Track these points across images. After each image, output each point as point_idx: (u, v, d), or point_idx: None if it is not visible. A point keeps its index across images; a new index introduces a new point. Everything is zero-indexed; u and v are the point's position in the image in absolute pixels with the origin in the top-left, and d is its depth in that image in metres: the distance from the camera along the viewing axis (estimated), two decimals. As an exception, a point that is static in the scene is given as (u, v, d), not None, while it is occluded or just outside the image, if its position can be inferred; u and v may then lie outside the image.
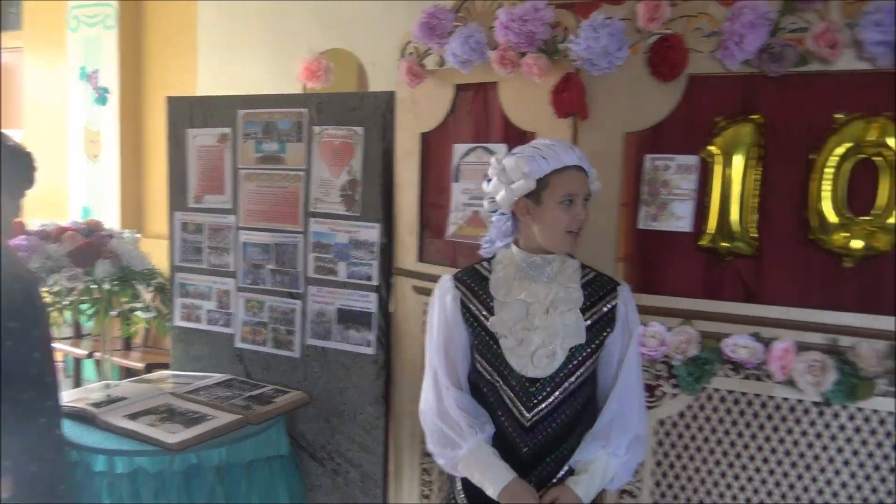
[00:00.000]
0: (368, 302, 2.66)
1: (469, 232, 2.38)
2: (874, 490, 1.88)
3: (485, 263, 1.75)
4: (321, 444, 2.82)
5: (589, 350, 1.67)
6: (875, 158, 1.80)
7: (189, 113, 2.94)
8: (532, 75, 2.05)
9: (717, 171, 1.94)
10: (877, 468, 1.87)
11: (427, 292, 2.46)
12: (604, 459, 1.66)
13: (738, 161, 1.91)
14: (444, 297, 1.75)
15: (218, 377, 2.81)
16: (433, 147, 2.48)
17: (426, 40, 2.31)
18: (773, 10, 1.81)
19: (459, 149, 2.38)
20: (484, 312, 1.69)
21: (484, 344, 1.69)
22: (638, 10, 1.91)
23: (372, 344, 2.67)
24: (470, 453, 1.65)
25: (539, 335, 1.64)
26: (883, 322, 1.80)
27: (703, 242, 1.98)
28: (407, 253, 2.57)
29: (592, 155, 1.98)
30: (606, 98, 2.03)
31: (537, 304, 1.65)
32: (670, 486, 2.08)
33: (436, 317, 1.75)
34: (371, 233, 2.62)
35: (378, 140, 2.59)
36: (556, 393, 1.65)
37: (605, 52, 1.94)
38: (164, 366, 3.25)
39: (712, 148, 1.94)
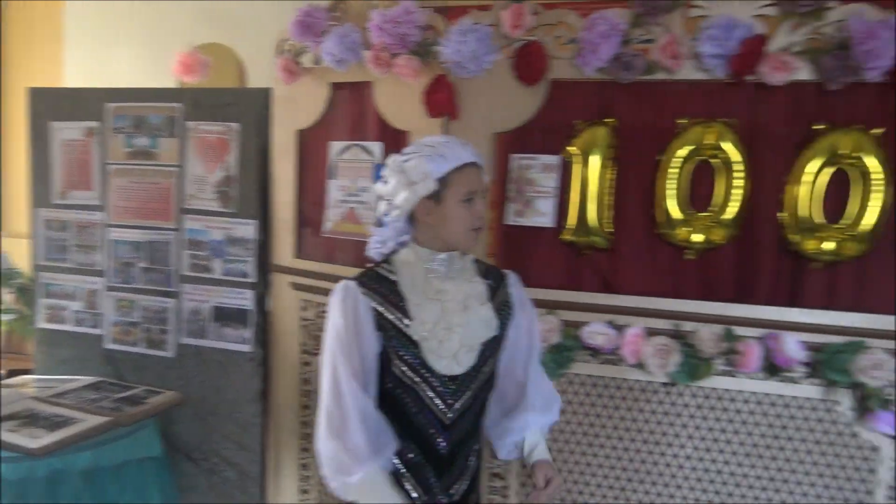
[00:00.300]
0: (245, 299, 2.64)
1: (345, 228, 2.42)
2: (713, 461, 2.07)
3: (384, 265, 1.63)
4: (197, 444, 2.77)
5: (497, 340, 1.66)
6: (712, 160, 1.99)
7: (53, 105, 2.81)
8: (405, 76, 2.12)
9: (577, 170, 2.07)
10: (715, 441, 2.06)
11: (305, 288, 2.50)
12: (542, 423, 1.73)
13: (595, 161, 2.05)
14: (353, 306, 1.57)
15: (86, 380, 2.70)
16: (310, 144, 2.50)
17: (301, 39, 2.33)
18: (624, 22, 1.97)
19: (335, 146, 2.42)
20: (399, 316, 1.57)
21: (404, 348, 1.58)
22: (503, 17, 2.01)
23: (249, 341, 2.65)
24: (364, 480, 1.54)
25: (459, 333, 1.59)
26: (719, 308, 2.00)
27: (565, 237, 2.12)
28: (284, 249, 2.57)
29: (463, 154, 2.08)
30: (475, 99, 2.12)
31: (452, 303, 1.60)
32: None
33: (341, 326, 1.56)
34: (247, 229, 2.60)
35: (255, 136, 2.57)
36: (473, 386, 1.63)
37: (474, 55, 2.03)
38: (28, 371, 3.08)
39: (572, 149, 2.07)
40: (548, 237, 2.15)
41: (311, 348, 2.54)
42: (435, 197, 1.55)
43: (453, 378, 1.59)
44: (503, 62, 2.08)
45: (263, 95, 2.56)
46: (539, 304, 2.09)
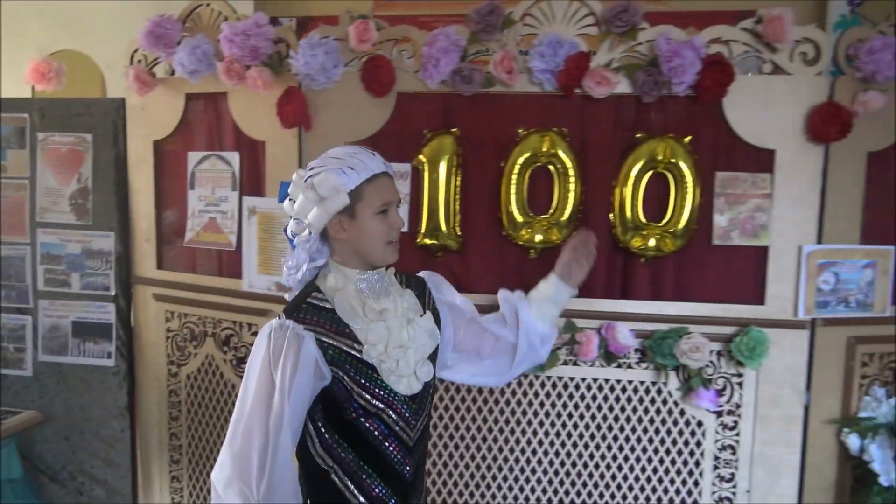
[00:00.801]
0: (106, 313, 2.60)
1: (206, 238, 2.43)
2: (563, 444, 2.24)
3: (315, 294, 1.51)
4: (62, 465, 2.70)
5: (436, 346, 1.61)
6: (549, 167, 2.14)
7: None
8: (256, 88, 2.16)
9: (426, 177, 2.18)
10: (564, 425, 2.23)
11: (169, 300, 2.49)
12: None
13: (443, 168, 2.16)
14: (295, 348, 1.42)
15: (-67, 404, 2.59)
16: (167, 154, 2.49)
17: (153, 49, 2.32)
18: (463, 37, 2.09)
19: (193, 157, 2.42)
20: (349, 344, 1.47)
21: (363, 375, 1.48)
22: (350, 32, 2.10)
23: (112, 355, 2.61)
24: None
25: (413, 349, 1.53)
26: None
27: (419, 241, 2.22)
28: (145, 261, 2.55)
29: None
30: (328, 110, 2.19)
31: (395, 320, 1.52)
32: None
33: (279, 370, 1.41)
34: (106, 242, 2.56)
35: (110, 147, 2.54)
36: (427, 401, 1.58)
37: (323, 68, 2.10)
38: None
39: (421, 157, 2.18)
40: (404, 241, 2.23)
41: (177, 359, 2.54)
42: (348, 211, 1.45)
43: (413, 397, 1.53)
44: (353, 75, 2.16)
45: (117, 106, 2.53)
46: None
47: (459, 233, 2.20)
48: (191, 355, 2.51)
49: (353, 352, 1.47)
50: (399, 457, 1.53)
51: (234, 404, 2.07)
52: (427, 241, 2.20)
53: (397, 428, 1.52)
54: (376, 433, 1.51)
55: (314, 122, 2.19)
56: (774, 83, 2.04)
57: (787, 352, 2.11)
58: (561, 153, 2.11)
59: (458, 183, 2.18)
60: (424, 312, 1.59)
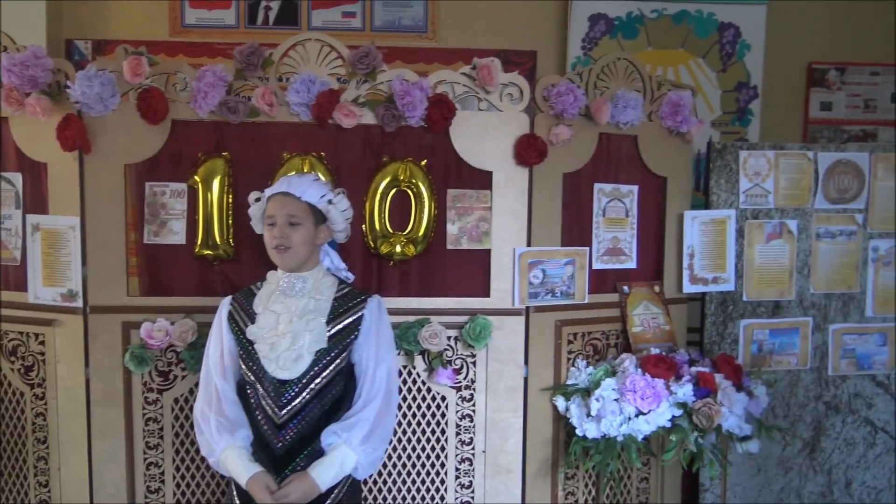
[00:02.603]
0: None
1: (-9, 254, 2.56)
2: (329, 423, 2.58)
3: (258, 283, 2.09)
4: None
5: (332, 354, 1.95)
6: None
7: None
8: (35, 114, 2.34)
9: (201, 195, 2.46)
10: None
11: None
12: (341, 448, 1.88)
13: (216, 187, 2.46)
14: (220, 311, 2.07)
15: None
16: (-51, 175, 2.58)
17: (-72, 75, 2.42)
18: (229, 73, 2.41)
19: (-25, 177, 2.54)
20: (248, 323, 1.99)
21: (245, 350, 1.98)
22: (124, 66, 2.34)
23: None
24: (226, 450, 1.91)
25: (286, 340, 1.92)
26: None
27: (197, 251, 2.49)
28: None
29: (99, 184, 2.38)
30: (107, 135, 2.42)
31: (286, 314, 1.95)
32: (189, 454, 2.55)
33: (213, 329, 2.07)
34: None
35: None
36: (304, 393, 1.93)
37: (99, 98, 2.33)
38: None
39: (196, 177, 2.46)
40: (182, 252, 2.50)
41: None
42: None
43: (283, 382, 1.92)
44: (129, 104, 2.40)
45: None
46: (178, 309, 2.46)
47: (232, 243, 2.49)
48: (-24, 366, 2.61)
49: (241, 325, 2.01)
50: (267, 429, 1.94)
51: (21, 411, 2.40)
52: (204, 251, 2.48)
53: (264, 403, 1.94)
54: (251, 400, 1.98)
55: (94, 145, 2.40)
56: (488, 118, 2.53)
57: (508, 335, 2.60)
58: (319, 174, 2.47)
59: (230, 200, 2.48)
60: (332, 320, 1.98)
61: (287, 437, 1.91)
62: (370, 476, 2.44)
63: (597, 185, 2.69)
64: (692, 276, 2.84)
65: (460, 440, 2.63)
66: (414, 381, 2.60)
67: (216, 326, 2.07)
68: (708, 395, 2.44)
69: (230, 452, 1.92)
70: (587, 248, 2.67)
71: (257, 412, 1.96)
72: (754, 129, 3.98)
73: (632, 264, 2.79)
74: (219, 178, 2.46)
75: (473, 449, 2.64)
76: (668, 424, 2.42)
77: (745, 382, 2.61)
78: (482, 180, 2.55)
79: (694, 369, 2.54)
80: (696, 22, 3.93)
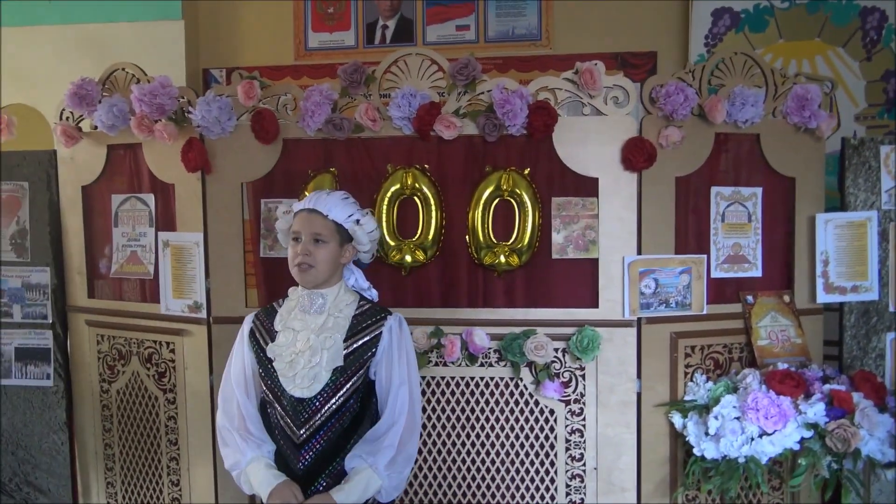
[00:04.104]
0: (45, 339, 2.93)
1: (129, 269, 2.78)
2: (439, 435, 2.59)
3: (280, 301, 2.02)
4: (9, 477, 3.01)
5: (349, 372, 1.87)
6: (414, 198, 2.52)
7: None
8: (163, 139, 2.53)
9: (312, 210, 2.55)
10: (439, 419, 2.59)
11: (98, 325, 2.83)
12: (367, 471, 1.84)
13: (325, 202, 2.53)
14: (243, 328, 2.02)
15: None
16: (94, 197, 2.85)
17: (76, 108, 2.69)
18: (335, 92, 2.48)
19: (116, 199, 2.78)
20: (267, 341, 1.94)
21: (264, 368, 1.92)
22: (238, 91, 2.48)
23: (51, 376, 2.94)
24: (253, 461, 1.88)
25: (304, 358, 1.85)
26: (428, 312, 2.53)
27: (309, 264, 2.58)
28: (77, 291, 2.89)
29: (219, 202, 2.53)
30: (226, 156, 2.57)
31: (305, 332, 1.88)
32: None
33: (236, 345, 2.02)
34: (42, 276, 2.90)
35: (44, 192, 2.89)
36: (322, 411, 1.86)
37: (218, 121, 2.48)
38: None
39: (306, 193, 2.54)
40: (295, 265, 2.60)
41: (108, 377, 2.87)
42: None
43: (300, 400, 1.85)
44: (245, 125, 2.54)
45: (49, 156, 2.88)
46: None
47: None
48: (119, 373, 2.84)
49: (262, 343, 1.95)
50: (286, 448, 1.90)
51: (156, 414, 2.55)
52: (314, 264, 2.57)
53: (283, 422, 1.89)
54: (272, 420, 1.94)
55: (214, 166, 2.56)
56: (593, 122, 2.44)
57: (619, 347, 2.49)
58: (423, 186, 2.50)
59: (339, 213, 2.55)
60: (350, 338, 1.90)
61: (307, 457, 1.87)
62: (452, 493, 2.43)
63: (714, 189, 2.53)
64: (827, 284, 2.60)
65: (570, 456, 2.55)
66: (521, 394, 2.55)
67: (238, 343, 2.03)
68: (843, 415, 2.21)
69: (256, 464, 1.88)
70: (704, 256, 2.51)
71: (276, 431, 1.92)
72: (904, 122, 3.61)
73: (756, 272, 2.59)
74: (327, 192, 2.53)
75: (584, 465, 2.54)
76: (797, 447, 2.22)
77: (890, 403, 2.34)
78: (588, 187, 2.47)
79: (827, 387, 2.31)
80: (834, 9, 3.62)
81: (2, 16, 4.10)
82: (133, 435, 2.85)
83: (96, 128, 2.75)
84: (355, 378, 1.89)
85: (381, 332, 1.92)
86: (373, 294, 2.11)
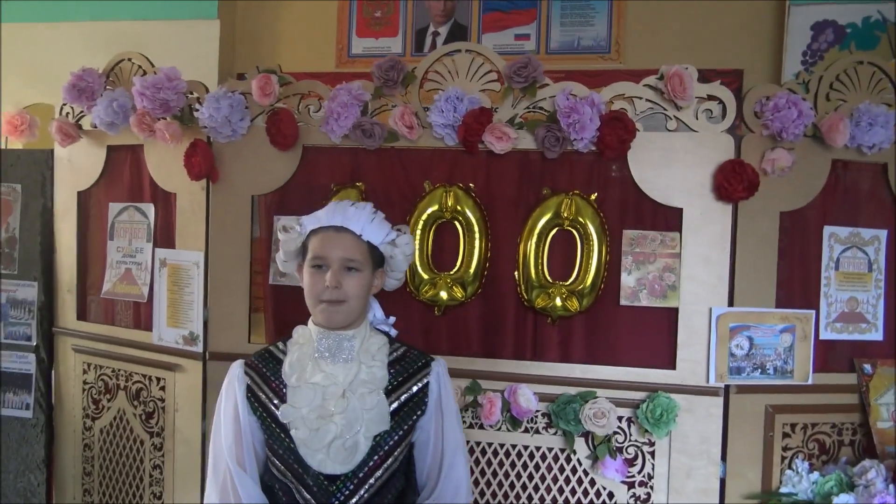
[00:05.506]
0: (27, 363, 2.57)
1: (122, 290, 2.41)
2: None
3: (280, 344, 1.52)
4: (-22, 518, 2.65)
5: (397, 437, 1.45)
6: (455, 221, 2.09)
7: None
8: (164, 140, 2.16)
9: (332, 231, 2.14)
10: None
11: (86, 352, 2.46)
12: None
13: (348, 223, 2.12)
14: (231, 384, 1.49)
15: None
16: (90, 205, 2.50)
17: (74, 102, 2.35)
18: (367, 91, 2.08)
19: (114, 207, 2.42)
20: (275, 401, 1.44)
21: (275, 438, 1.43)
22: (252, 86, 2.10)
23: (31, 407, 2.57)
24: None
25: (336, 423, 1.40)
26: (466, 362, 2.09)
27: (325, 296, 2.16)
28: (66, 311, 2.53)
29: (225, 216, 2.15)
30: (236, 163, 2.18)
31: (334, 388, 1.42)
32: None
33: (223, 407, 1.49)
34: (29, 291, 2.55)
35: (38, 197, 2.55)
36: (362, 491, 1.42)
37: (228, 121, 2.10)
38: None
39: (327, 210, 2.14)
40: (309, 296, 2.19)
41: (92, 412, 2.49)
42: (303, 263, 1.48)
43: (332, 478, 1.40)
44: (260, 128, 2.15)
45: (46, 157, 2.55)
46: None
47: (364, 288, 2.14)
48: (104, 408, 2.46)
49: (270, 406, 1.43)
50: None
51: (141, 461, 2.15)
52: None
53: None
54: (284, 501, 1.46)
55: (222, 174, 2.18)
56: (679, 140, 1.98)
57: (700, 420, 2.00)
58: (465, 208, 2.07)
59: (363, 237, 2.13)
60: (386, 393, 1.45)
61: None
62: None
63: (827, 229, 2.04)
64: (969, 355, 2.07)
65: (632, 552, 2.05)
66: (574, 470, 2.07)
67: (227, 402, 1.49)
68: None
69: None
70: (812, 312, 2.01)
71: None
72: None
73: (877, 335, 2.09)
74: (352, 211, 2.12)
75: (649, 565, 2.04)
76: (940, 573, 1.69)
77: None
78: (669, 219, 2.01)
79: (980, 493, 1.78)
80: (957, 25, 3.10)
81: (28, 12, 3.86)
82: (115, 482, 2.45)
83: (96, 126, 2.40)
84: (403, 444, 1.47)
85: (427, 383, 1.49)
86: (393, 330, 1.62)
